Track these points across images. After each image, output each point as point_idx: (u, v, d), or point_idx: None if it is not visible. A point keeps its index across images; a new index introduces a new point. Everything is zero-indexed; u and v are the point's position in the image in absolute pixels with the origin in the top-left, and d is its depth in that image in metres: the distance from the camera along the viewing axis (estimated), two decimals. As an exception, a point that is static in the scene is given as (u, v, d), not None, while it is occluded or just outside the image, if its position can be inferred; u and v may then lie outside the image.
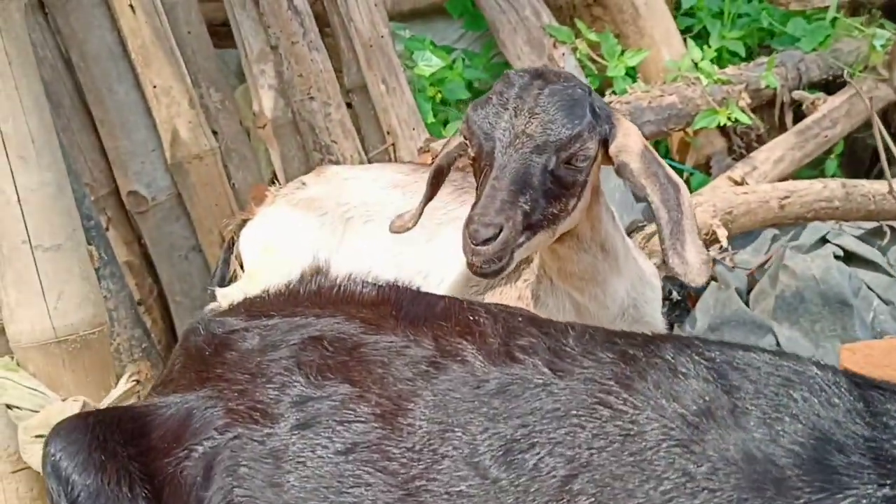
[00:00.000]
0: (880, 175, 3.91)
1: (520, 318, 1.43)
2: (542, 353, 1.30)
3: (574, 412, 1.20)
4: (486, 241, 1.68)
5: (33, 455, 2.09)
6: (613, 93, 3.76)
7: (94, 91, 3.28)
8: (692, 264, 1.78)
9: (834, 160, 4.20)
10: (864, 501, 0.99)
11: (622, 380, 1.20)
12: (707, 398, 1.13)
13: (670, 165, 4.03)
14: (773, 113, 4.01)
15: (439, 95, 4.02)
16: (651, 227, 3.02)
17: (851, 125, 3.94)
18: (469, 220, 1.71)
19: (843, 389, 1.08)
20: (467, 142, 1.83)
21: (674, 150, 4.05)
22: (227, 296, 2.32)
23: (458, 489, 1.19)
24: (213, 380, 1.45)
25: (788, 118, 4.02)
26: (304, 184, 2.59)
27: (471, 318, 1.45)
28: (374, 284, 1.61)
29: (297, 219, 2.40)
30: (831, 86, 4.22)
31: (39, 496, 2.34)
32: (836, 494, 1.00)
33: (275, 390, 1.37)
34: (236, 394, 1.39)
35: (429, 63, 3.90)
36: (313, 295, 1.66)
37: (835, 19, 4.18)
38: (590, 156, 1.78)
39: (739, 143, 3.93)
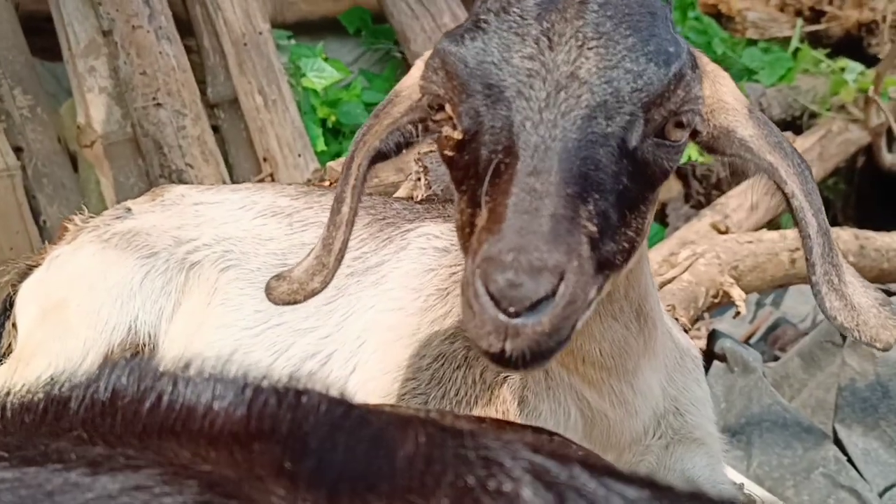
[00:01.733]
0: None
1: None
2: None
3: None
4: (537, 305, 0.78)
5: None
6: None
7: None
8: (865, 310, 0.98)
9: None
10: None
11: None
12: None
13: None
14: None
15: (333, 119, 3.15)
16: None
17: (825, 169, 3.31)
18: (489, 262, 0.81)
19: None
20: (443, 106, 0.93)
21: (623, 195, 3.32)
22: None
23: None
24: None
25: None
26: (128, 210, 1.65)
27: (474, 480, 0.57)
28: (243, 388, 0.70)
29: (108, 264, 1.46)
30: (791, 126, 3.61)
31: None
32: None
33: None
34: None
35: (320, 74, 3.04)
36: (107, 412, 0.75)
37: (797, 50, 3.59)
38: (699, 112, 0.95)
39: (699, 189, 3.23)
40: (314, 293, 1.08)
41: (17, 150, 2.54)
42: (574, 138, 0.86)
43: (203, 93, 2.88)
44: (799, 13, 3.68)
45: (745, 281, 2.29)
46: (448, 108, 0.92)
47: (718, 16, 3.65)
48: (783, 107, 3.56)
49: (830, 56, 3.79)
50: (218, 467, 0.63)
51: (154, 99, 2.56)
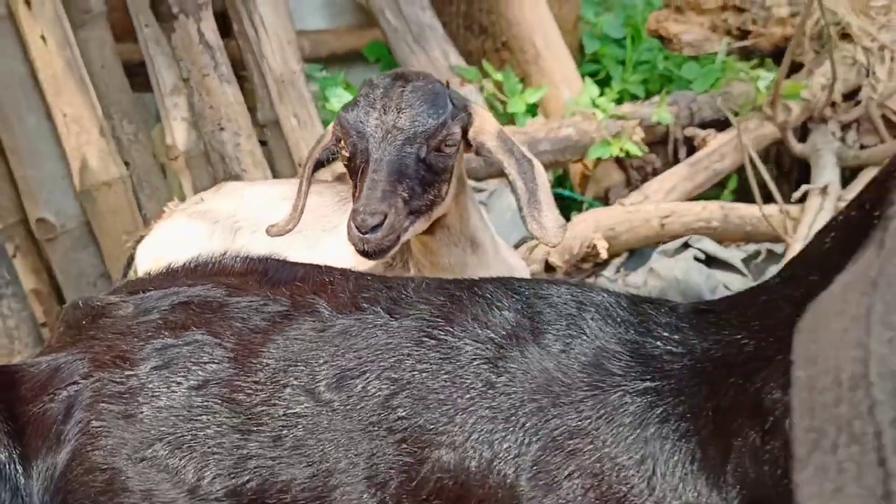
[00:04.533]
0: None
1: (369, 278, 1.56)
2: (384, 301, 1.42)
3: (404, 345, 1.33)
4: (374, 229, 1.81)
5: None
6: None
7: (3, 119, 3.36)
8: (548, 228, 1.93)
9: (728, 195, 4.46)
10: (629, 394, 1.15)
11: (447, 315, 1.33)
12: (514, 324, 1.27)
13: (572, 198, 4.29)
14: (668, 149, 4.26)
15: (351, 132, 4.18)
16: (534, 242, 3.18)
17: (739, 160, 4.20)
18: (354, 212, 1.83)
19: (622, 308, 1.24)
20: (342, 143, 1.96)
21: (575, 183, 4.26)
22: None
23: (294, 411, 1.29)
24: (85, 340, 1.54)
25: (682, 153, 4.26)
26: (202, 199, 2.70)
27: (326, 278, 1.56)
28: (245, 257, 1.72)
29: (190, 229, 2.50)
30: (723, 125, 4.49)
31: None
32: (607, 390, 1.16)
33: (140, 342, 1.46)
34: (104, 349, 1.48)
35: (340, 99, 4.07)
36: (189, 271, 1.76)
37: (724, 63, 4.48)
38: (456, 140, 1.93)
39: (636, 177, 4.16)
40: (287, 231, 2.11)
41: (126, 164, 3.61)
42: (394, 155, 1.86)
43: (254, 116, 3.94)
44: (728, 32, 4.56)
45: (621, 240, 3.22)
46: (342, 141, 1.93)
47: (662, 38, 4.55)
48: (713, 109, 4.44)
49: (763, 66, 4.67)
50: (231, 281, 1.63)
51: (219, 125, 3.63)
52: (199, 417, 1.32)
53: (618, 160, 4.11)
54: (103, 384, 1.40)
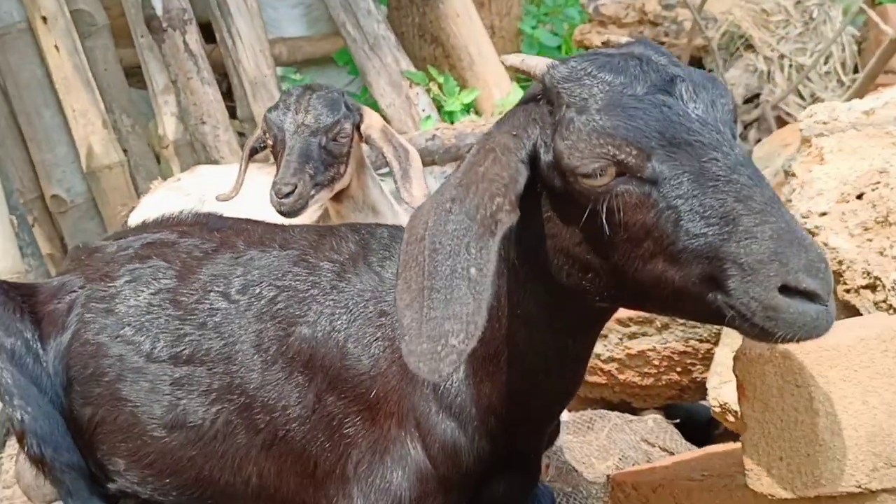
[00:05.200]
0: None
1: (276, 227, 2.29)
2: (278, 239, 2.16)
3: (286, 265, 2.06)
4: (287, 196, 2.54)
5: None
6: (451, 122, 4.70)
7: (24, 114, 4.12)
8: (416, 195, 2.66)
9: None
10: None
11: (314, 246, 2.07)
12: (353, 251, 2.00)
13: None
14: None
15: (317, 126, 4.93)
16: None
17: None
18: (273, 184, 2.57)
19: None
20: (267, 135, 2.69)
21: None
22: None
23: (214, 307, 2.02)
24: (82, 267, 2.27)
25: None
26: (179, 178, 3.45)
27: (244, 226, 2.30)
28: (195, 213, 2.46)
29: (167, 199, 3.26)
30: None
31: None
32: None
33: (118, 266, 2.20)
34: (94, 271, 2.22)
35: (306, 99, 4.81)
36: (156, 223, 2.50)
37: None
38: (348, 133, 2.66)
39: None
40: (230, 198, 2.85)
41: (125, 151, 4.36)
42: (302, 143, 2.59)
43: (233, 112, 4.69)
44: (644, 44, 5.26)
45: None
46: (267, 133, 2.67)
47: (586, 48, 5.26)
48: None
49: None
50: (183, 229, 2.36)
51: (201, 119, 4.38)
52: (153, 311, 2.06)
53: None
54: (93, 291, 2.14)
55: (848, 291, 1.97)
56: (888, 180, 1.95)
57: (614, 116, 1.32)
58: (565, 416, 2.88)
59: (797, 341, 1.25)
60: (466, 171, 1.44)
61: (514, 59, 1.49)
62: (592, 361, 2.79)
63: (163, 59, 4.40)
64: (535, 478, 2.02)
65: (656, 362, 2.68)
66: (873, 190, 1.96)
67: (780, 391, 1.52)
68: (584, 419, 2.80)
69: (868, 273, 1.90)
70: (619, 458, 2.55)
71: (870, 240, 1.93)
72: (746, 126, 5.27)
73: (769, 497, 1.55)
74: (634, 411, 2.87)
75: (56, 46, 4.06)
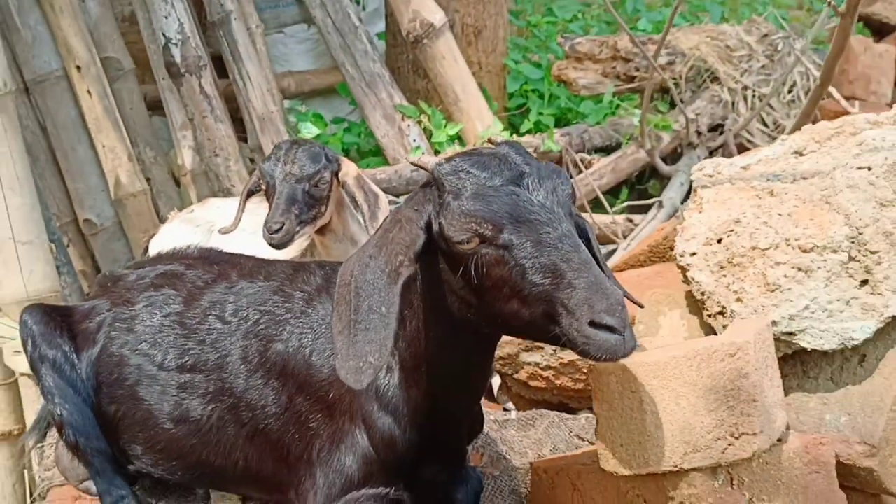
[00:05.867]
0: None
1: (262, 262, 2.84)
2: (263, 273, 2.70)
3: (268, 294, 2.60)
4: (276, 232, 3.10)
5: (12, 363, 3.46)
6: (438, 152, 5.24)
7: (61, 149, 4.72)
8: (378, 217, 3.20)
9: (621, 207, 5.68)
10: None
11: (290, 279, 2.61)
12: (319, 284, 2.54)
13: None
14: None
15: (320, 156, 5.49)
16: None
17: (616, 178, 5.43)
18: (265, 221, 3.13)
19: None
20: (261, 181, 3.25)
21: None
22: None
23: (212, 327, 2.57)
24: (108, 293, 2.84)
25: (573, 173, 5.49)
26: (192, 210, 4.02)
27: (239, 261, 2.85)
28: (198, 248, 3.02)
29: (181, 230, 3.82)
30: (611, 150, 5.71)
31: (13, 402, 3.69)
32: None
33: (137, 293, 2.76)
34: (118, 297, 2.78)
35: (309, 130, 5.38)
36: (168, 255, 3.06)
37: (611, 102, 5.71)
38: (327, 181, 3.20)
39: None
40: (230, 231, 3.40)
41: (148, 180, 4.95)
42: (289, 189, 3.13)
43: (245, 141, 5.27)
44: (618, 77, 5.78)
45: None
46: (261, 180, 3.22)
47: (564, 82, 5.79)
48: (603, 138, 5.67)
49: (652, 102, 5.88)
50: (189, 262, 2.91)
51: (214, 152, 4.96)
52: (165, 330, 2.61)
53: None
54: (117, 314, 2.70)
55: (709, 317, 2.48)
56: (738, 228, 2.46)
57: (477, 202, 1.86)
58: (512, 414, 3.41)
59: (605, 360, 1.77)
60: (381, 235, 1.99)
61: (414, 159, 2.04)
62: (533, 369, 3.31)
63: (181, 100, 4.98)
64: (460, 463, 2.55)
65: (584, 370, 3.19)
66: (728, 236, 2.47)
67: (620, 395, 2.04)
68: (527, 417, 3.31)
69: (719, 303, 2.42)
70: (551, 450, 3.06)
71: (724, 276, 2.44)
72: (711, 152, 5.76)
73: (614, 474, 2.07)
74: (573, 411, 3.39)
75: (88, 91, 4.66)
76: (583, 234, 2.03)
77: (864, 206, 2.27)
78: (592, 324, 1.74)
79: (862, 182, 2.34)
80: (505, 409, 3.52)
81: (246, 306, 2.59)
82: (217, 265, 2.84)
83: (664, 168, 5.49)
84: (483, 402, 3.79)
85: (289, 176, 3.17)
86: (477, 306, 1.94)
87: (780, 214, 2.44)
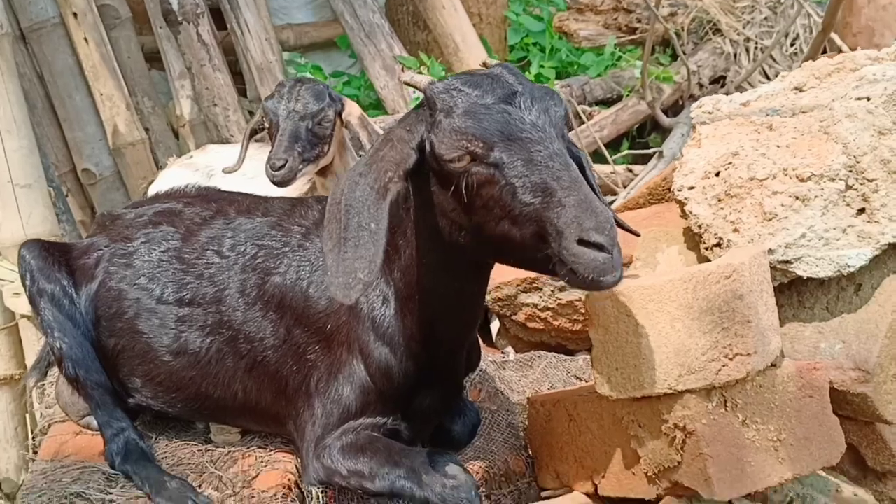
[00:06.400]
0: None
1: (260, 198, 2.84)
2: (261, 209, 2.71)
3: (265, 229, 2.61)
4: (279, 169, 3.09)
5: (11, 304, 3.48)
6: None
7: (58, 97, 4.69)
8: None
9: (623, 159, 5.67)
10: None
11: (288, 214, 2.61)
12: (317, 218, 2.54)
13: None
14: (563, 121, 5.46)
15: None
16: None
17: (617, 130, 5.40)
18: (269, 158, 3.11)
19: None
20: (264, 119, 3.24)
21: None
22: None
23: (210, 261, 2.57)
24: (107, 230, 2.84)
25: (574, 125, 5.47)
26: (191, 156, 4.01)
27: (236, 198, 2.85)
28: (197, 186, 3.02)
29: (180, 175, 3.82)
30: (611, 102, 5.69)
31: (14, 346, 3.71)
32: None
33: (135, 230, 2.76)
34: (116, 234, 2.78)
35: (308, 82, 5.34)
36: (166, 194, 3.06)
37: (613, 53, 5.66)
38: (330, 119, 3.19)
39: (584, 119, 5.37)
40: (234, 171, 3.40)
41: (146, 130, 4.93)
42: (293, 126, 3.12)
43: (244, 94, 5.24)
44: (619, 29, 5.73)
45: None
46: (264, 118, 3.21)
47: (565, 34, 5.74)
48: (604, 90, 5.64)
49: (653, 54, 5.84)
50: (188, 200, 2.92)
51: (213, 102, 4.93)
52: (163, 265, 2.62)
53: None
54: (116, 249, 2.70)
55: (706, 249, 2.48)
56: (736, 161, 2.45)
57: (468, 119, 1.85)
58: (511, 356, 3.43)
59: (593, 282, 1.76)
60: (372, 154, 1.98)
61: (406, 76, 2.03)
62: (531, 310, 3.32)
63: (179, 48, 4.95)
64: (457, 396, 2.57)
65: (583, 310, 3.20)
66: (725, 169, 2.46)
67: (615, 320, 2.04)
68: (526, 359, 3.33)
69: (717, 235, 2.41)
70: (548, 388, 3.09)
71: (721, 208, 2.44)
72: (714, 104, 5.72)
73: (609, 398, 2.08)
74: (571, 353, 3.41)
75: (85, 38, 4.62)
76: (576, 159, 2.02)
77: (861, 134, 2.26)
78: (581, 242, 1.74)
79: (860, 112, 2.33)
80: (503, 353, 3.53)
81: (244, 241, 2.60)
82: (215, 202, 2.85)
83: (665, 120, 5.47)
84: (483, 346, 3.82)
85: (292, 113, 3.16)
86: (468, 228, 1.94)
87: (778, 146, 2.43)
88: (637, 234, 2.34)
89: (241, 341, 2.47)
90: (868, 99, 2.37)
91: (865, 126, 2.27)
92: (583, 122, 5.39)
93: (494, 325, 3.66)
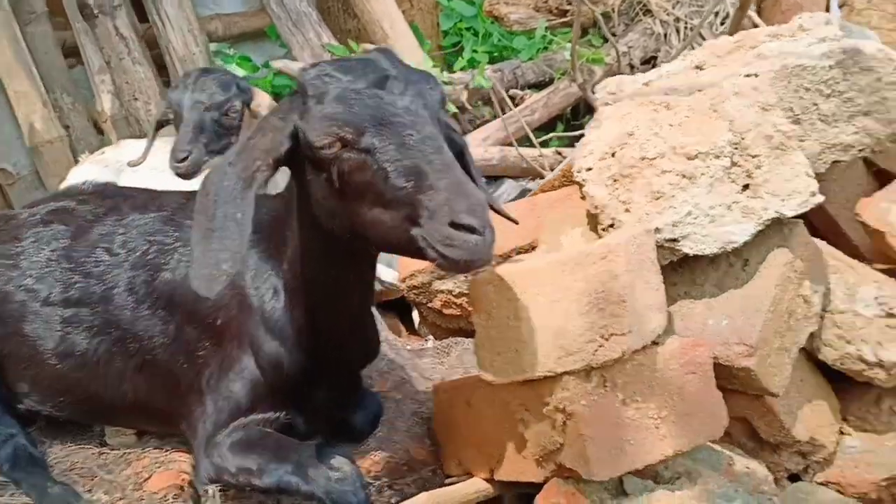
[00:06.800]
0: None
1: (155, 193, 2.77)
2: (153, 205, 2.64)
3: (157, 224, 2.54)
4: (182, 161, 3.01)
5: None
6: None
7: (-30, 95, 4.56)
8: None
9: (557, 142, 5.64)
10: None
11: (182, 208, 2.55)
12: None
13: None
14: (494, 106, 5.42)
15: (248, 99, 5.37)
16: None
17: (549, 113, 5.37)
18: (172, 150, 3.04)
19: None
20: (170, 110, 3.16)
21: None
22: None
23: (99, 259, 2.50)
24: (-1, 233, 2.77)
25: (505, 110, 5.43)
26: (103, 152, 3.92)
27: (132, 194, 2.78)
28: (94, 183, 2.94)
29: (91, 171, 3.72)
30: (543, 86, 5.65)
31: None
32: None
33: (25, 230, 2.68)
34: (6, 234, 2.70)
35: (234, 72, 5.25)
36: (63, 193, 2.99)
37: (544, 37, 5.63)
38: (237, 110, 3.13)
39: (469, 128, 5.33)
40: (139, 164, 3.33)
41: (66, 128, 4.81)
42: (197, 117, 3.05)
43: (168, 86, 5.13)
44: (550, 12, 5.70)
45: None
46: (170, 109, 3.14)
47: (496, 17, 5.70)
48: (536, 73, 5.60)
49: (584, 36, 5.81)
50: (83, 198, 2.84)
51: (133, 96, 4.83)
52: (51, 265, 2.54)
53: (454, 115, 5.28)
54: (2, 251, 2.62)
55: (602, 230, 2.45)
56: (631, 141, 2.42)
57: (339, 105, 1.81)
58: (429, 343, 3.39)
59: (465, 265, 1.73)
60: (244, 143, 1.93)
61: (279, 64, 1.97)
62: (446, 297, 3.28)
63: (97, 42, 4.83)
64: (354, 388, 2.53)
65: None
66: (621, 149, 2.43)
67: (497, 304, 2.01)
68: (443, 346, 3.30)
69: (611, 216, 2.39)
70: (462, 374, 3.05)
71: (616, 189, 2.41)
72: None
73: (492, 383, 2.05)
74: (489, 340, 3.37)
75: (-4, 34, 4.51)
76: (454, 146, 1.98)
77: (747, 111, 2.24)
78: (453, 224, 1.70)
79: (747, 89, 2.31)
80: (425, 341, 3.50)
81: (135, 237, 2.54)
82: (110, 199, 2.78)
83: (596, 102, 5.43)
84: (405, 334, 3.77)
85: (197, 104, 3.09)
86: (341, 215, 1.90)
87: (670, 125, 2.41)
88: (515, 222, 2.31)
89: (130, 341, 2.42)
90: (756, 76, 2.36)
91: (751, 103, 2.26)
92: (509, 109, 5.35)
93: (416, 315, 3.62)
